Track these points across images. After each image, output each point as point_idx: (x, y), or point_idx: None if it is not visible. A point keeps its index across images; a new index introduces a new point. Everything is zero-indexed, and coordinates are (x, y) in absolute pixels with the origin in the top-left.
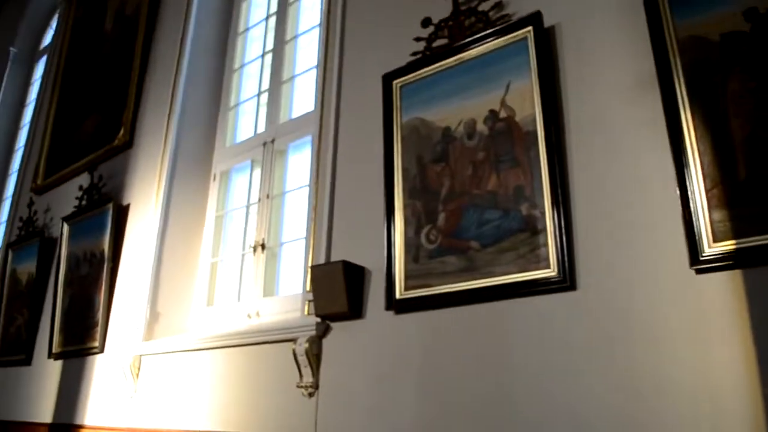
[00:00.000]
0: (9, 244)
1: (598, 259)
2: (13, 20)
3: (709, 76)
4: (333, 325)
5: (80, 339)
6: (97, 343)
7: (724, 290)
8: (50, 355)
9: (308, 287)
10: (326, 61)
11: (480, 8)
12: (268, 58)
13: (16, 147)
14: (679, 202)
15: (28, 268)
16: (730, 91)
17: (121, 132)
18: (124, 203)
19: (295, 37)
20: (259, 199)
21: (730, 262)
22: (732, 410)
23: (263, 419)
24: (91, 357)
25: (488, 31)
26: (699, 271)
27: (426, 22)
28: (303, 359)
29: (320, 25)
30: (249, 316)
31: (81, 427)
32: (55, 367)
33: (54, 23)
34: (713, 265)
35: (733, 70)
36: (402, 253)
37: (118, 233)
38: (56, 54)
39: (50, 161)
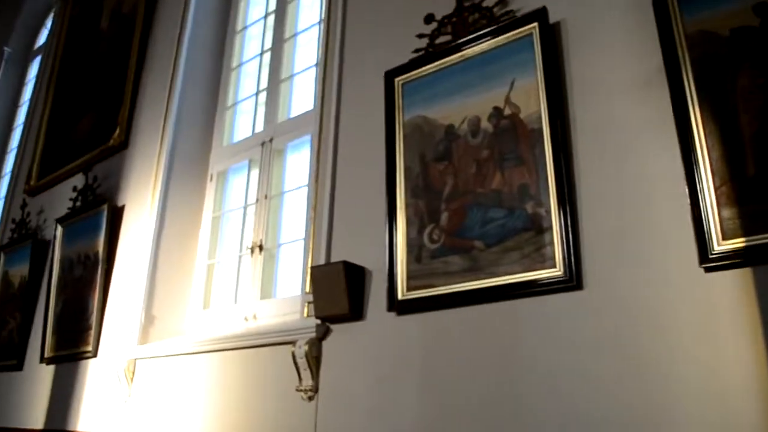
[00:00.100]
0: (1, 247)
1: (605, 257)
2: (7, 20)
3: (718, 72)
4: (333, 327)
5: (73, 343)
6: (90, 347)
7: (734, 288)
8: (42, 359)
9: (308, 288)
10: (327, 59)
11: (484, 4)
12: (267, 56)
13: (9, 148)
14: (688, 199)
15: (20, 270)
16: (739, 87)
17: (117, 132)
18: (120, 204)
19: (295, 35)
20: (257, 200)
21: (740, 260)
22: (742, 408)
23: (262, 424)
24: (84, 361)
25: (492, 28)
26: (708, 269)
27: (429, 19)
28: (302, 362)
29: (321, 21)
30: (246, 318)
31: None
32: (48, 371)
33: (49, 23)
34: (723, 263)
35: (743, 66)
36: (404, 253)
37: (112, 235)
38: (51, 53)
39: (44, 162)
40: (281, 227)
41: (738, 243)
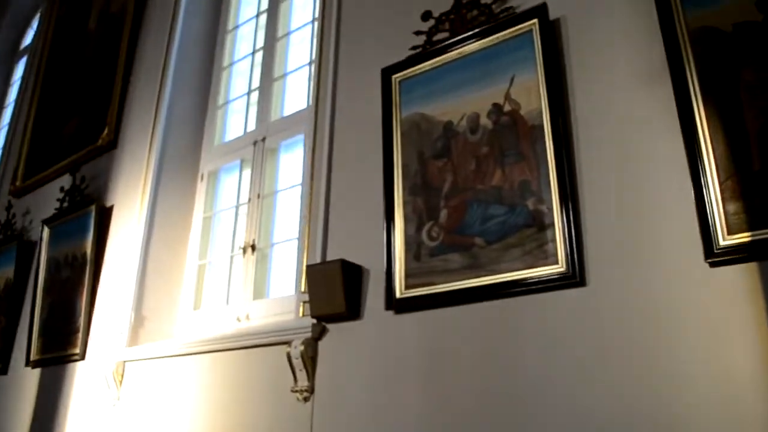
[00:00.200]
0: None
1: (608, 254)
2: None
3: (722, 68)
4: (329, 326)
5: (60, 345)
6: (78, 350)
7: (740, 283)
8: (28, 362)
9: (303, 288)
10: (321, 56)
11: (482, 1)
12: (259, 55)
13: None
14: (693, 194)
15: (5, 273)
16: (743, 82)
17: (105, 131)
18: (108, 205)
19: (287, 34)
20: (249, 199)
21: (745, 255)
22: (749, 404)
23: (256, 426)
24: (71, 364)
25: (491, 25)
26: (713, 264)
27: (426, 16)
28: (298, 362)
29: (315, 19)
30: (238, 319)
31: None
32: (33, 375)
33: (35, 23)
34: (728, 257)
35: (747, 61)
36: (402, 251)
37: (101, 236)
38: (37, 54)
39: (30, 163)
40: (274, 227)
41: (743, 237)
